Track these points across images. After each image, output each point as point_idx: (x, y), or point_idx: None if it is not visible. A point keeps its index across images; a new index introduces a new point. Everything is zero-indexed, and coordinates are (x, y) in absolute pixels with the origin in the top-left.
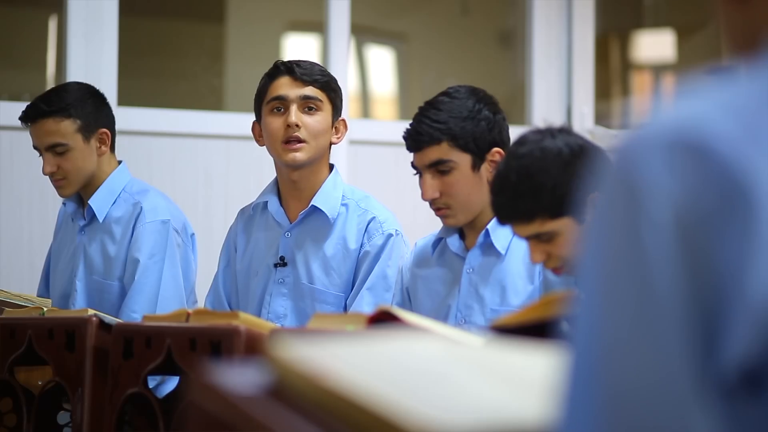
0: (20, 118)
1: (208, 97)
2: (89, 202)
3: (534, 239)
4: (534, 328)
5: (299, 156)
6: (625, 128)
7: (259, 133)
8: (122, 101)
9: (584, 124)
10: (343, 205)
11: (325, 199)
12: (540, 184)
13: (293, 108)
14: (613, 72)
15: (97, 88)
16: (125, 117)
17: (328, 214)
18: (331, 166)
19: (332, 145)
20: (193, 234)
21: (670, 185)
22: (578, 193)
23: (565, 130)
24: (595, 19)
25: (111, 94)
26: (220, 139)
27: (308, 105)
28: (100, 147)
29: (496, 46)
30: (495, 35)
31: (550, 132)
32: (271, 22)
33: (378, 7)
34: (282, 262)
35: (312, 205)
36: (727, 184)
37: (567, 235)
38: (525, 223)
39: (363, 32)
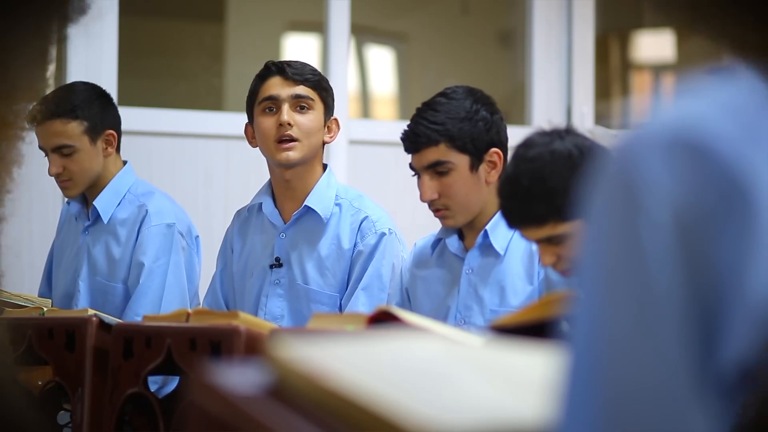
0: (26, 119)
1: (208, 97)
2: (94, 203)
3: (544, 242)
4: (534, 328)
5: (292, 155)
6: (625, 128)
7: (251, 134)
8: (122, 101)
9: (584, 124)
10: (336, 204)
11: (319, 199)
12: (552, 187)
13: (285, 107)
14: (613, 72)
15: None
16: (125, 117)
17: (321, 214)
18: (325, 166)
19: (325, 145)
20: (197, 237)
21: (670, 185)
22: (583, 194)
23: (572, 131)
24: (595, 19)
25: (111, 94)
26: (220, 139)
27: (300, 104)
28: (107, 148)
29: (496, 46)
30: (495, 35)
31: (557, 134)
32: (271, 22)
33: (378, 7)
34: (277, 263)
35: (305, 206)
36: (727, 183)
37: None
38: (537, 227)
39: (363, 32)
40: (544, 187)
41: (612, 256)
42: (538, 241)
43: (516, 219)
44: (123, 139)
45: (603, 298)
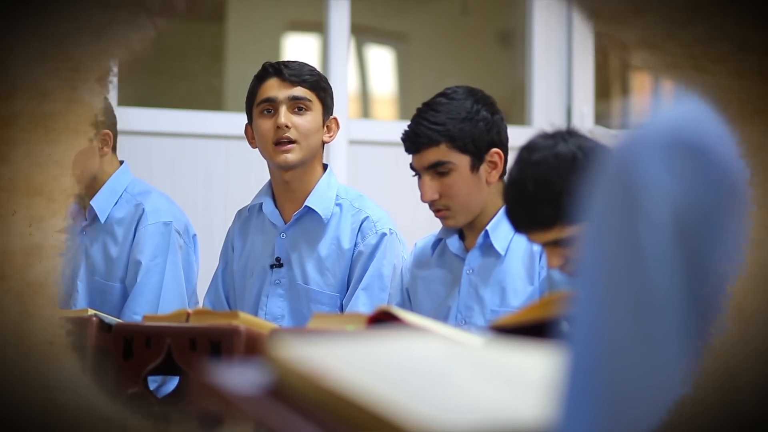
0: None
1: (208, 97)
2: (91, 202)
3: (551, 245)
4: (534, 328)
5: (290, 157)
6: (625, 128)
7: (251, 135)
8: (122, 101)
9: (584, 124)
10: (337, 204)
11: (319, 199)
12: (558, 191)
13: (282, 109)
14: (613, 72)
15: None
16: (125, 117)
17: (321, 215)
18: (325, 166)
19: (325, 144)
20: (194, 235)
21: (669, 185)
22: (584, 195)
23: (575, 133)
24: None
25: (111, 94)
26: (220, 139)
27: (297, 105)
28: (102, 148)
29: (496, 46)
30: (495, 35)
31: (560, 136)
32: (271, 22)
33: (378, 7)
34: (278, 263)
35: (306, 206)
36: (725, 183)
37: None
38: (544, 230)
39: (363, 32)
40: (549, 191)
41: (612, 255)
42: (545, 244)
43: (522, 223)
44: (123, 139)
45: (603, 298)
